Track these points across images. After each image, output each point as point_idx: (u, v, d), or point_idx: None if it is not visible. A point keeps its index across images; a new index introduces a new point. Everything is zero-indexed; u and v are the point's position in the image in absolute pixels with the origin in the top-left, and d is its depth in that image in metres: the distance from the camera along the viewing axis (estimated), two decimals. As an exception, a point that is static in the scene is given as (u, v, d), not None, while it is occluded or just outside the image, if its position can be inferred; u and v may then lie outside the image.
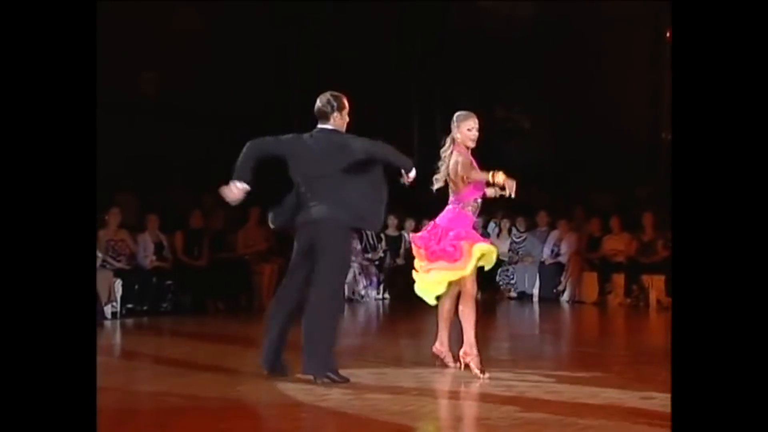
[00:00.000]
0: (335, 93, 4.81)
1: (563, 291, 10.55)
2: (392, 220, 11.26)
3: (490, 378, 4.88)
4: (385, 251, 11.06)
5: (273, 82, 12.18)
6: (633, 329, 8.57)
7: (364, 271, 10.75)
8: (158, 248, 9.13)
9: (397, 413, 4.05)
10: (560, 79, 12.65)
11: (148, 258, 9.01)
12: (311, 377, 4.61)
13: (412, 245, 5.25)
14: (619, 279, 10.23)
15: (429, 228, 5.15)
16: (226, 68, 11.25)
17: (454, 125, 5.07)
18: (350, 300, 10.48)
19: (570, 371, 5.23)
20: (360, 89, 12.86)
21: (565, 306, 10.26)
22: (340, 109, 4.76)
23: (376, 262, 10.92)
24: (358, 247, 10.90)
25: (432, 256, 5.02)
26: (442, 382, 4.94)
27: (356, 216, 4.68)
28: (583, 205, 11.51)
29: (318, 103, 4.78)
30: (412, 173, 4.72)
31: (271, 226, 5.07)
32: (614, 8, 12.35)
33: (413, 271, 5.22)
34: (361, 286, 10.72)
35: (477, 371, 4.91)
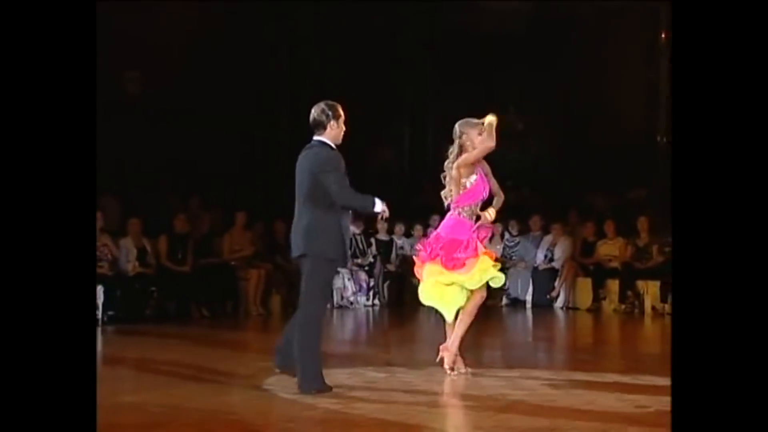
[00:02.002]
0: (329, 102, 4.83)
1: (557, 297, 10.56)
2: (382, 225, 11.24)
3: (466, 377, 5.08)
4: (375, 256, 11.03)
5: (261, 82, 12.15)
6: (628, 336, 8.58)
7: (353, 276, 10.72)
8: (141, 253, 9.07)
9: (388, 422, 4.03)
10: (555, 80, 12.69)
11: (130, 263, 8.95)
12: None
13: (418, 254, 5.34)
14: (613, 285, 10.25)
15: (431, 239, 5.30)
16: (212, 68, 11.21)
17: (459, 133, 5.12)
18: (339, 306, 10.45)
19: (565, 379, 5.23)
20: (350, 89, 12.91)
21: (559, 312, 10.28)
22: (336, 117, 4.76)
23: (366, 268, 10.89)
24: (348, 252, 10.86)
25: (448, 264, 5.08)
26: (435, 389, 4.92)
27: (320, 250, 4.67)
28: (578, 208, 11.52)
29: (313, 113, 4.78)
30: (378, 208, 4.77)
31: None
32: (611, 9, 12.40)
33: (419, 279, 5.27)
34: (350, 292, 10.68)
35: (447, 368, 5.12)
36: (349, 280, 10.67)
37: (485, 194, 5.21)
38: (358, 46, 12.46)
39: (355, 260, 10.89)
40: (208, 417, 4.18)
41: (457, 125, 5.15)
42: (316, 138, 4.79)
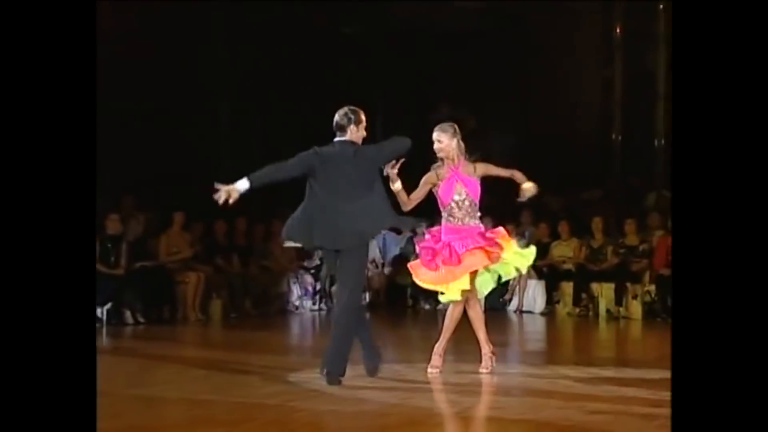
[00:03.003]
0: (353, 107, 5.22)
1: (510, 300, 10.61)
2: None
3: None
4: (321, 259, 10.93)
5: (201, 77, 11.95)
6: (582, 340, 8.67)
7: (298, 280, 10.61)
8: (71, 256, 8.82)
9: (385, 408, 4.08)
10: (508, 76, 12.76)
11: (59, 267, 8.70)
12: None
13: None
14: (567, 287, 10.35)
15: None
16: (150, 63, 10.99)
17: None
18: (283, 311, 10.34)
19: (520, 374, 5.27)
20: (297, 88, 12.74)
21: (513, 316, 10.33)
22: (357, 122, 5.17)
23: (312, 271, 10.79)
24: (293, 253, 10.77)
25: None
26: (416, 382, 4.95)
27: (375, 226, 5.27)
28: (531, 209, 11.60)
29: (336, 117, 5.20)
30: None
31: (285, 242, 5.29)
32: (564, 5, 12.52)
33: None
34: (295, 296, 10.58)
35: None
36: (294, 283, 10.56)
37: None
38: (303, 44, 12.35)
39: (301, 262, 10.79)
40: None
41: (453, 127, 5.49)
42: (338, 139, 5.19)
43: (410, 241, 11.21)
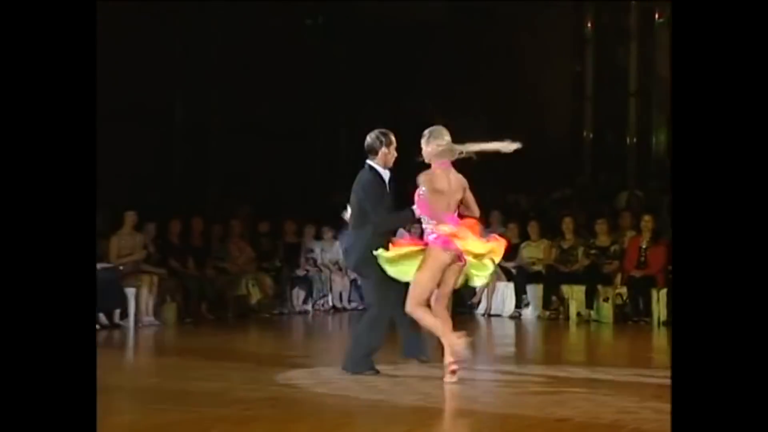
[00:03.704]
0: (383, 130, 5.62)
1: (478, 303, 10.63)
2: (290, 226, 11.10)
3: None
4: (282, 261, 10.86)
5: (155, 73, 11.82)
6: (552, 344, 8.69)
7: (258, 283, 10.52)
8: (14, 258, 8.63)
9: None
10: (476, 72, 12.79)
11: (1, 269, 8.51)
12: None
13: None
14: (537, 290, 10.39)
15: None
16: (101, 57, 10.84)
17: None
18: (241, 315, 10.24)
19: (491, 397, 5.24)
20: (256, 84, 12.57)
21: (481, 320, 10.34)
22: (388, 144, 5.58)
23: (273, 273, 10.70)
24: (252, 255, 10.67)
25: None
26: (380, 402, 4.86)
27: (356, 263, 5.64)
28: (500, 209, 11.65)
29: (368, 140, 5.63)
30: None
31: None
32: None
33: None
34: (254, 299, 10.48)
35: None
36: (253, 286, 10.46)
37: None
38: (263, 37, 12.26)
39: (261, 264, 10.69)
40: None
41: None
42: (367, 162, 5.63)
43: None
